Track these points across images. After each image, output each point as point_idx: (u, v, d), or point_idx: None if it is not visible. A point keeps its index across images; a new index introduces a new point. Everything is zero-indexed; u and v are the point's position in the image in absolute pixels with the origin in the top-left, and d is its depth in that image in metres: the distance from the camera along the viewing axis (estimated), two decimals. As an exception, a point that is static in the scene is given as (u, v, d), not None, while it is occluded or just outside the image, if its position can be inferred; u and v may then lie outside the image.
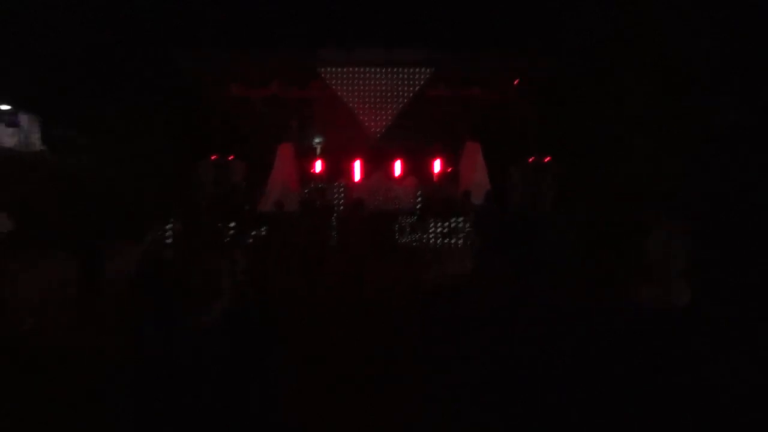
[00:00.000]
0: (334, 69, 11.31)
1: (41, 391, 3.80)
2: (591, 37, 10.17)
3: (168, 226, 8.49)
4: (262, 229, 8.63)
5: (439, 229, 9.26)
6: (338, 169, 11.72)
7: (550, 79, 10.57)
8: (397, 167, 11.74)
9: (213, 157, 10.65)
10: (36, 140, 9.84)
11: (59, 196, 8.79)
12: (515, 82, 11.10)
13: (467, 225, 8.92)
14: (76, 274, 6.58)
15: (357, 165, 11.70)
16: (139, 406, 3.34)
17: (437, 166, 11.82)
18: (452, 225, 9.14)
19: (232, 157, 10.71)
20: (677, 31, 9.41)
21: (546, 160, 10.64)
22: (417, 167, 11.74)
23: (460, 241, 9.08)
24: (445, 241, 9.17)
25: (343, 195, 10.92)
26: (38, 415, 3.51)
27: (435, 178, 11.77)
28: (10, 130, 9.17)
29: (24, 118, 9.53)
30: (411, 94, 11.37)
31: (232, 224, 8.63)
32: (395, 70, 11.23)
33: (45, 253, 6.75)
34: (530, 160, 10.77)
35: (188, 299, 4.04)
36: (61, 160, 9.65)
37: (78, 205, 8.95)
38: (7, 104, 9.13)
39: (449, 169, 11.84)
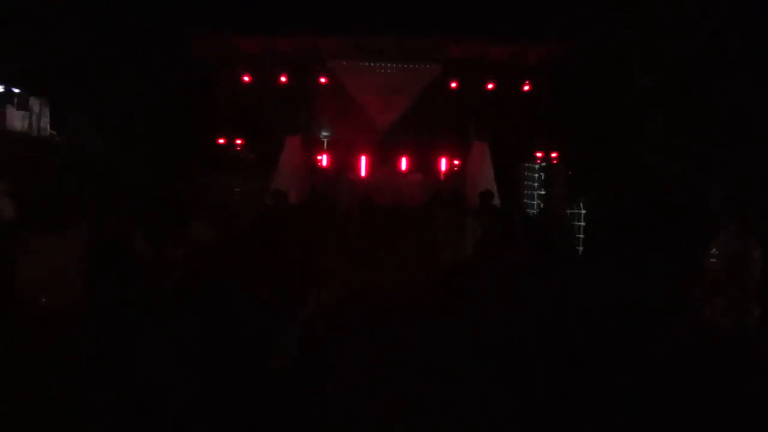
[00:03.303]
0: (343, 61, 11.29)
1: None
2: (608, 19, 9.65)
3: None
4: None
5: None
6: (345, 163, 11.70)
7: (566, 68, 10.30)
8: (404, 163, 11.70)
9: (221, 141, 10.67)
10: (46, 124, 9.91)
11: (69, 180, 8.84)
12: (526, 82, 10.98)
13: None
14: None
15: (363, 160, 11.68)
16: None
17: (444, 163, 11.77)
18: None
19: (240, 141, 10.72)
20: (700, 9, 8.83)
21: (555, 157, 10.54)
22: (424, 164, 11.70)
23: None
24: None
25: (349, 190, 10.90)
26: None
27: (441, 176, 11.72)
28: (21, 113, 9.21)
29: (35, 102, 9.57)
30: (420, 91, 11.33)
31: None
32: (405, 66, 11.18)
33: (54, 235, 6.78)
34: (538, 158, 10.68)
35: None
36: (72, 145, 9.71)
37: (88, 189, 8.98)
38: (18, 87, 9.18)
39: (456, 167, 11.77)
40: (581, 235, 9.48)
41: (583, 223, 9.54)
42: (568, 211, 9.44)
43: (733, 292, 3.31)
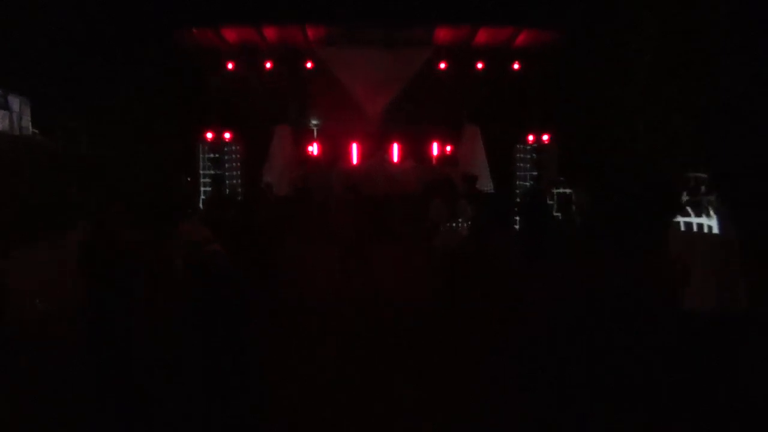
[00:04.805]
0: (331, 48, 11.09)
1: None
2: (595, 6, 9.66)
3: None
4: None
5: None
6: (336, 152, 11.57)
7: (552, 52, 10.30)
8: (395, 150, 11.59)
9: (209, 135, 10.47)
10: (28, 123, 9.65)
11: (52, 180, 8.67)
12: (515, 62, 10.87)
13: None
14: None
15: (354, 148, 11.55)
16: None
17: (436, 149, 11.67)
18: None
19: (229, 134, 10.52)
20: None
21: (546, 138, 10.48)
22: (416, 150, 11.59)
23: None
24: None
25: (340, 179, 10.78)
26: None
27: (434, 161, 11.64)
28: (0, 112, 8.95)
29: (15, 101, 9.31)
30: (410, 76, 11.15)
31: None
32: (394, 51, 10.98)
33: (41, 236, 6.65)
34: (530, 140, 10.64)
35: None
36: (54, 144, 9.49)
37: (72, 189, 8.83)
38: (-3, 87, 8.90)
39: (449, 152, 11.69)
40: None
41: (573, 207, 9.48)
42: (556, 191, 9.37)
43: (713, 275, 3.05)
